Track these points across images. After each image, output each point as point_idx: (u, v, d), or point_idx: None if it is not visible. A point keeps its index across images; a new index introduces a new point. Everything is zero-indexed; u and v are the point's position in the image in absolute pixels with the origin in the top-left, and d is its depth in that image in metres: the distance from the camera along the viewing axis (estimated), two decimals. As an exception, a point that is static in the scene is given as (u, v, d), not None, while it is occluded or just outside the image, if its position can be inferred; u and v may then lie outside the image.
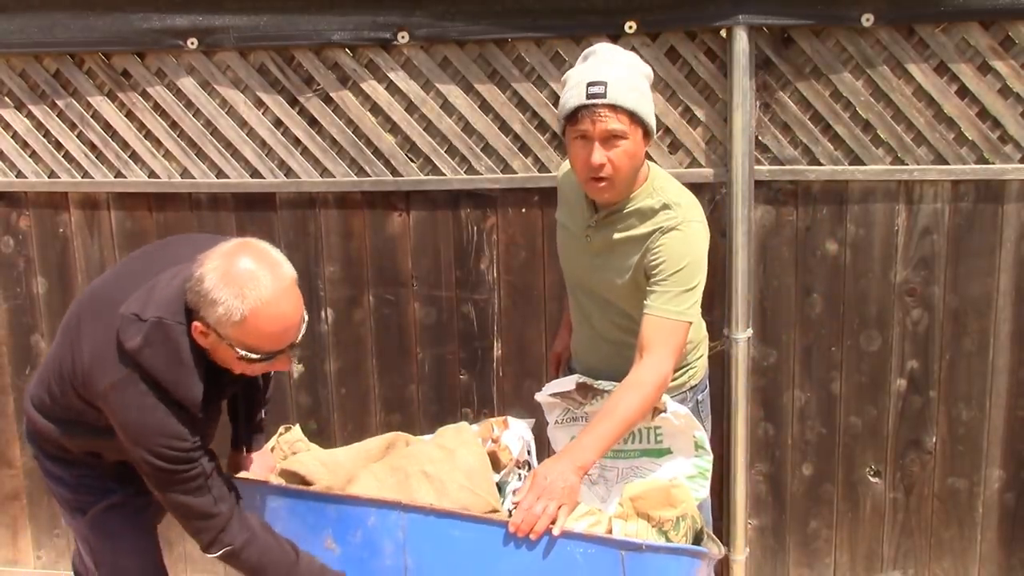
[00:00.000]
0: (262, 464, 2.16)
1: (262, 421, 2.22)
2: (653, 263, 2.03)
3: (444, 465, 1.93)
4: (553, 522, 1.77)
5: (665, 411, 2.02)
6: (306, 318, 1.80)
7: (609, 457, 2.01)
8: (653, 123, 2.03)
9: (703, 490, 2.07)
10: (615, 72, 1.98)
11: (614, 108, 1.94)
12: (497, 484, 1.98)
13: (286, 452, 2.20)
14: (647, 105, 2.01)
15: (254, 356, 1.73)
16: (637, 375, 1.98)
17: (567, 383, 2.16)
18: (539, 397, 2.23)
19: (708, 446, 2.09)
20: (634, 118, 1.97)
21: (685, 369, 2.24)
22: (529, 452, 2.15)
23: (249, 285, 1.68)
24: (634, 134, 1.98)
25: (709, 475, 2.09)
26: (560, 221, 2.28)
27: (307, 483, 1.97)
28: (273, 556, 1.87)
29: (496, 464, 1.89)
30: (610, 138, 1.96)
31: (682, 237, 2.03)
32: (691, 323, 2.03)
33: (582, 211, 2.16)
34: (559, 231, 2.28)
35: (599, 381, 2.11)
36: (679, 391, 2.22)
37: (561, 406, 2.18)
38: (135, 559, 2.14)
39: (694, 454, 2.08)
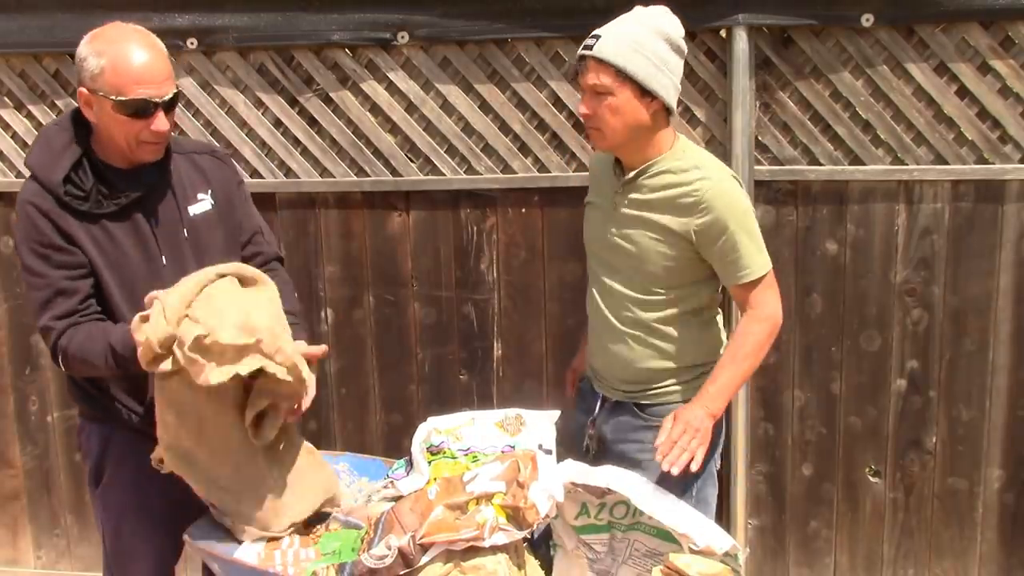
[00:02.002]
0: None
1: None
2: (707, 228, 2.00)
3: None
4: (692, 460, 1.95)
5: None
6: (172, 73, 1.90)
7: (621, 529, 1.94)
8: (654, 84, 1.96)
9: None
10: (618, 28, 1.98)
11: (599, 62, 1.96)
12: (524, 540, 1.80)
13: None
14: (643, 64, 1.95)
15: (123, 99, 1.82)
16: (745, 324, 2.06)
17: (599, 476, 1.89)
18: (563, 473, 1.89)
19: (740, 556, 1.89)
20: (620, 74, 1.94)
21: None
22: (550, 451, 1.98)
23: (108, 35, 1.86)
24: (621, 91, 1.95)
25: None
26: (588, 202, 2.25)
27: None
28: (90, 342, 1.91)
29: (522, 522, 1.71)
30: (594, 91, 1.98)
31: (723, 191, 2.01)
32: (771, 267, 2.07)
33: (610, 180, 2.13)
34: (587, 213, 2.25)
35: (629, 493, 1.87)
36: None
37: (579, 501, 1.92)
38: (134, 541, 2.12)
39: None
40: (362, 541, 1.88)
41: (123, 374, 1.92)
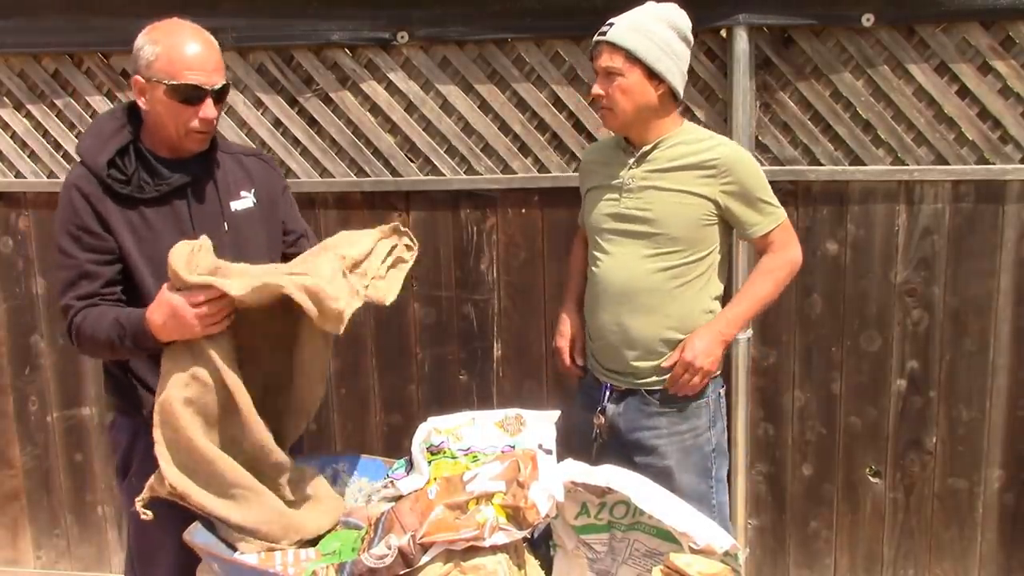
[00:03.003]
0: None
1: None
2: (733, 189, 2.17)
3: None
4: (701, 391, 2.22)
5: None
6: (223, 66, 1.99)
7: (621, 529, 1.94)
8: (661, 67, 2.13)
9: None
10: (631, 16, 2.16)
11: (612, 46, 2.14)
12: (524, 540, 1.79)
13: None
14: (652, 48, 2.12)
15: (174, 83, 1.90)
16: (768, 262, 2.23)
17: (599, 475, 1.86)
18: (563, 473, 1.88)
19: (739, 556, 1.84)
20: (630, 57, 2.12)
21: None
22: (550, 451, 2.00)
23: (164, 27, 1.97)
24: (630, 72, 2.13)
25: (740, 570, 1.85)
26: (588, 188, 2.35)
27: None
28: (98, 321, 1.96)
29: (522, 522, 1.71)
30: (607, 73, 2.15)
31: (741, 155, 2.20)
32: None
33: (617, 159, 2.26)
34: (588, 199, 2.34)
35: (628, 491, 1.84)
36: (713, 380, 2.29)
37: (580, 500, 1.90)
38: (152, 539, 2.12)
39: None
40: (362, 541, 1.87)
41: (127, 354, 1.96)
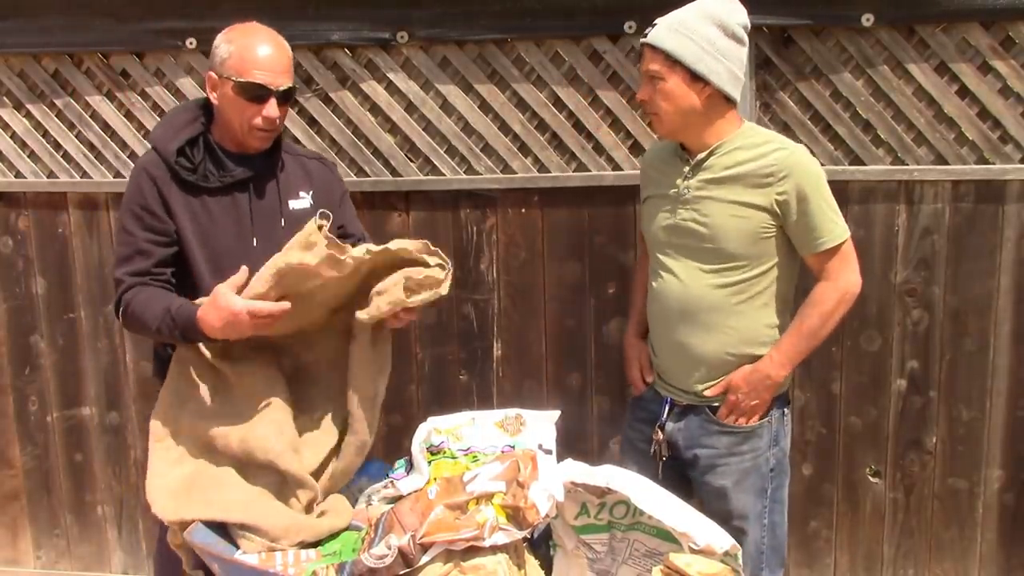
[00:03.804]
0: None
1: None
2: (788, 197, 2.02)
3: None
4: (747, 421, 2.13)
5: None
6: (291, 70, 2.09)
7: (621, 529, 1.94)
8: (702, 67, 1.99)
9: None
10: (674, 14, 2.03)
11: (653, 49, 2.03)
12: (524, 540, 1.80)
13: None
14: (691, 48, 1.99)
15: (242, 80, 2.00)
16: (817, 293, 2.09)
17: (599, 475, 1.85)
18: (563, 473, 1.87)
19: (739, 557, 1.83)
20: (669, 59, 2.00)
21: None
22: (549, 451, 1.97)
23: (241, 28, 2.08)
24: (671, 75, 2.01)
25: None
26: (645, 196, 2.25)
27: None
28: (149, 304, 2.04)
29: (522, 522, 1.71)
30: (649, 77, 2.05)
31: (800, 160, 2.04)
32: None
33: (674, 167, 2.14)
34: (645, 210, 2.25)
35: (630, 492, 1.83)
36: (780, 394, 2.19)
37: (580, 501, 1.90)
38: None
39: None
40: (362, 541, 1.87)
41: (170, 340, 2.02)
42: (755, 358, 2.12)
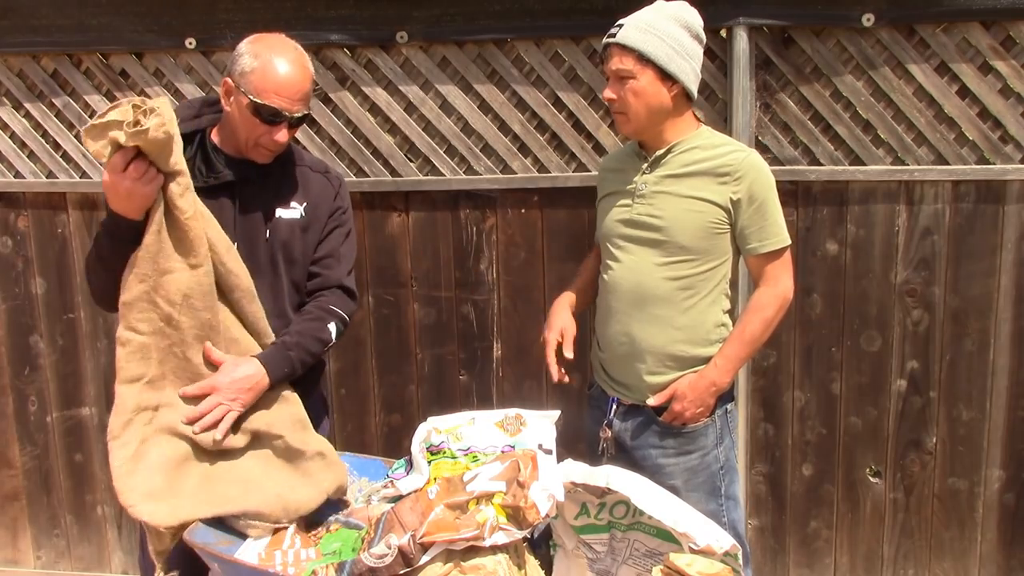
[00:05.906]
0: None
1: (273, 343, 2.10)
2: (742, 196, 2.07)
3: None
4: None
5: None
6: (309, 96, 2.03)
7: (621, 529, 1.94)
8: (673, 67, 2.04)
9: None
10: (640, 16, 2.08)
11: (622, 48, 2.06)
12: (524, 540, 1.78)
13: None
14: (662, 48, 2.04)
15: (258, 102, 1.95)
16: (759, 298, 2.13)
17: (599, 475, 1.86)
18: (563, 473, 1.87)
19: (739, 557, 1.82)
20: (641, 58, 2.04)
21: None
22: (549, 451, 2.02)
23: (268, 41, 2.00)
24: (642, 74, 2.05)
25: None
26: (602, 195, 2.28)
27: None
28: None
29: (522, 522, 1.70)
30: (618, 77, 2.07)
31: (756, 163, 2.10)
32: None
33: (633, 166, 2.19)
34: (601, 207, 2.27)
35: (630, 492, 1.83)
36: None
37: (579, 501, 1.90)
38: None
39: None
40: (362, 541, 1.87)
41: (110, 254, 1.92)
42: (699, 359, 2.15)
